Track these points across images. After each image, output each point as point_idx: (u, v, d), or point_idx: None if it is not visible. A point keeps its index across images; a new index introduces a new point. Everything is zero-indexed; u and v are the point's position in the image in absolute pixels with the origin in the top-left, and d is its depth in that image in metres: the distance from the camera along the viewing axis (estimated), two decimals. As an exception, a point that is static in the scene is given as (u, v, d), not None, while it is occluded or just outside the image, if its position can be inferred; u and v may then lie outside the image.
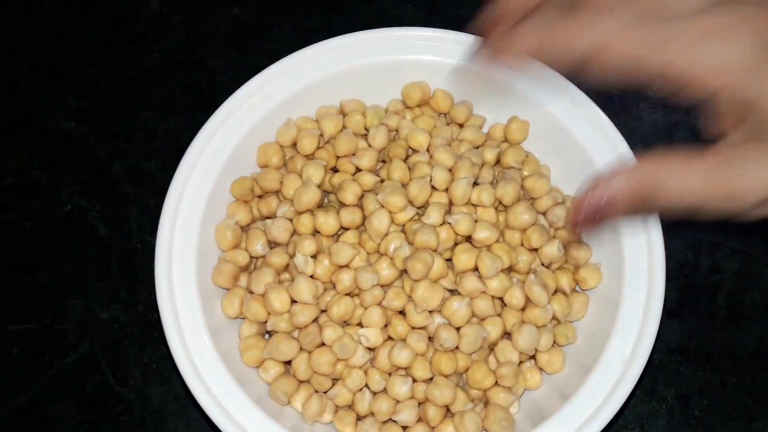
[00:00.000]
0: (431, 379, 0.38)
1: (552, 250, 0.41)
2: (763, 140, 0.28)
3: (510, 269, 0.40)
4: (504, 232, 0.41)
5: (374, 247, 0.40)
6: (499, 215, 0.41)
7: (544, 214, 0.42)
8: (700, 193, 0.29)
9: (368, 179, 0.41)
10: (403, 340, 0.39)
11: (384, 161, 0.43)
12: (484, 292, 0.39)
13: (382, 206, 0.40)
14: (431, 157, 0.42)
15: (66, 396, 0.44)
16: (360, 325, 0.39)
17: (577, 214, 0.31)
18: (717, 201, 0.29)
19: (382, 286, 0.39)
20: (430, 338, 0.39)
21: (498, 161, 0.44)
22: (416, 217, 0.41)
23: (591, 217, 0.31)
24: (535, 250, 0.41)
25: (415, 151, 0.42)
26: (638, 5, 0.30)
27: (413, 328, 0.39)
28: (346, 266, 0.39)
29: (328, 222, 0.40)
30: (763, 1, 0.29)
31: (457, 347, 0.38)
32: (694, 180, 0.29)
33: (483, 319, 0.40)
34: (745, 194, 0.28)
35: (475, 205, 0.41)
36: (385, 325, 0.39)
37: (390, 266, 0.39)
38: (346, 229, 0.41)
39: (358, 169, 0.43)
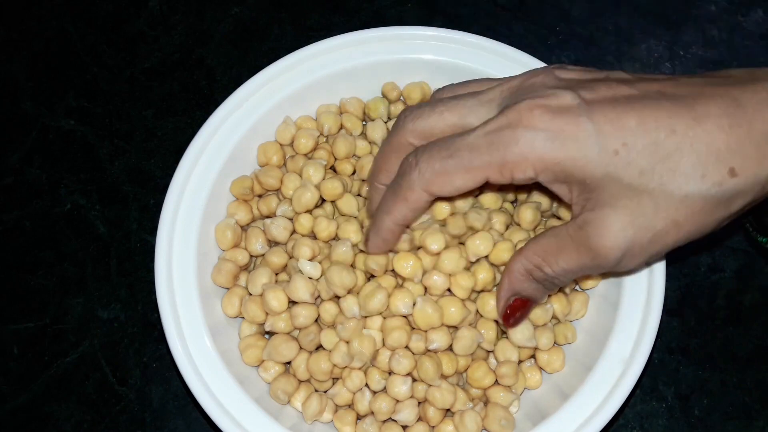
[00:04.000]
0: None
1: None
2: (593, 207, 0.31)
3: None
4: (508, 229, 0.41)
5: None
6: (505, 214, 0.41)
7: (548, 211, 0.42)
8: (575, 261, 0.33)
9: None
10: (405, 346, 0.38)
11: None
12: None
13: None
14: None
15: (66, 395, 0.44)
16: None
17: (504, 317, 0.36)
18: (592, 264, 0.33)
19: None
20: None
21: None
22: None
23: (512, 313, 0.36)
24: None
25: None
26: (441, 141, 0.33)
27: (413, 328, 0.39)
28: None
29: (328, 229, 0.40)
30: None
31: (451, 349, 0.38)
32: (569, 256, 0.33)
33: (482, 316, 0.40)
34: (607, 254, 0.32)
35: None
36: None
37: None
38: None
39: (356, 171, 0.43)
